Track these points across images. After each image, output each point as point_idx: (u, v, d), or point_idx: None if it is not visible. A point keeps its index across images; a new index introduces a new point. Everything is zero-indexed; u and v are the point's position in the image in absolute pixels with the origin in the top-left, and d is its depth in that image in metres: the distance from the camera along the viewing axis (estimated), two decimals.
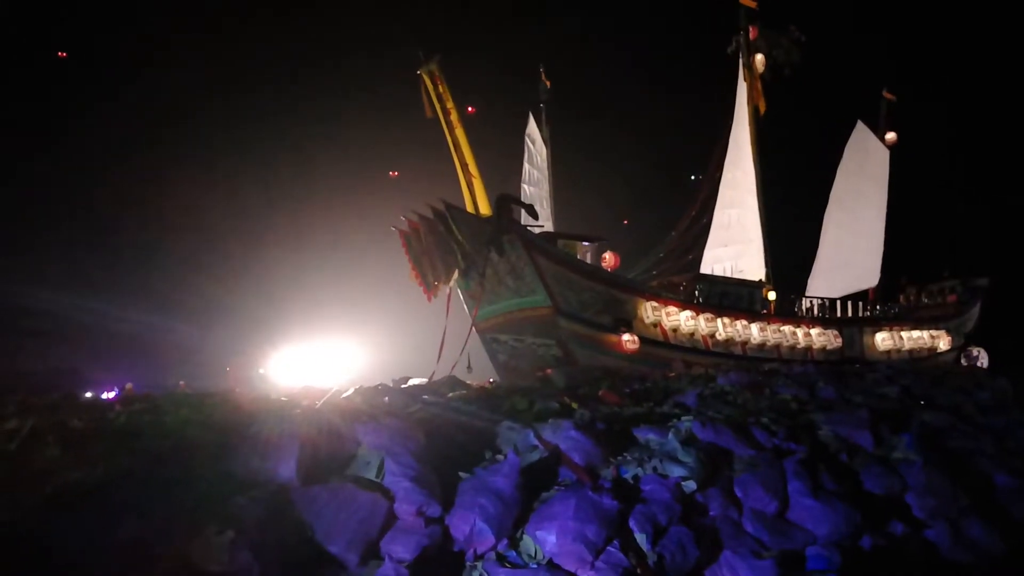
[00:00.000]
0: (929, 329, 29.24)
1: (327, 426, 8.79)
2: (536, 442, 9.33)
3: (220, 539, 6.07)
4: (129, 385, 17.45)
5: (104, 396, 16.69)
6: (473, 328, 21.09)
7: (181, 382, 20.14)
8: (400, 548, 7.14)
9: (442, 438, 9.37)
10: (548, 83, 29.90)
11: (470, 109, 23.30)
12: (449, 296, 21.28)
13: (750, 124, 28.41)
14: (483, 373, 21.34)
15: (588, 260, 22.13)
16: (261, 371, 24.47)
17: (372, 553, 7.12)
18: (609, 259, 22.43)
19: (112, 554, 5.58)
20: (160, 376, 23.37)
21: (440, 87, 21.14)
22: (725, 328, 22.88)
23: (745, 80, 28.51)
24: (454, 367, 19.12)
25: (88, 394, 16.96)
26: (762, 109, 28.75)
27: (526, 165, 29.35)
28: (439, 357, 19.83)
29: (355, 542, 7.02)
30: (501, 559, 7.33)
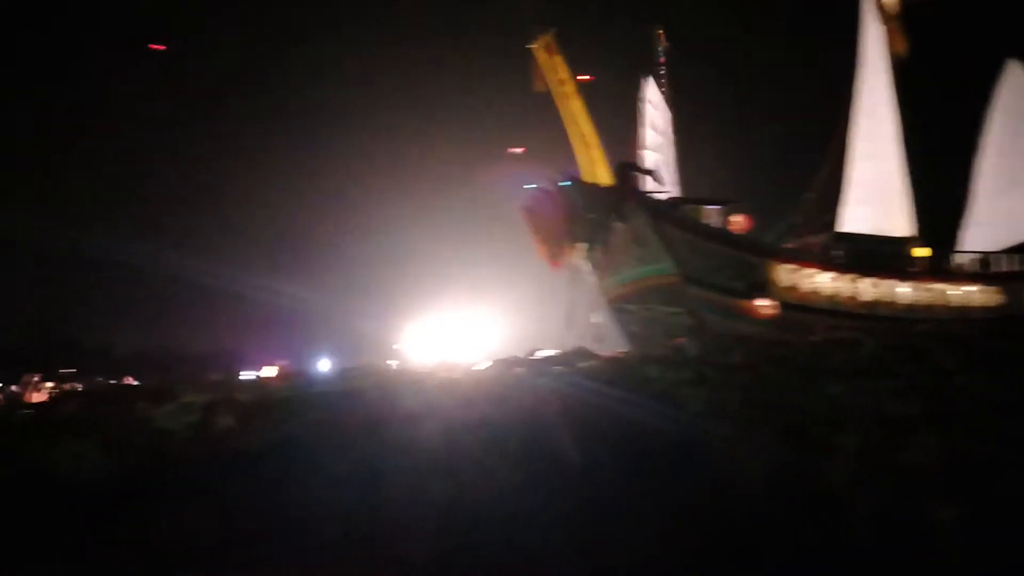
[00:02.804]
0: None
1: (463, 397, 9.15)
2: None
3: None
4: (284, 362, 18.67)
5: (260, 373, 17.97)
6: (601, 299, 21.09)
7: (325, 358, 21.36)
8: None
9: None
10: (667, 44, 29.05)
11: (586, 77, 23.09)
12: (574, 267, 21.37)
13: (887, 69, 26.47)
14: (613, 343, 21.34)
15: (716, 224, 21.56)
16: (396, 346, 25.57)
17: None
18: (739, 222, 21.75)
19: (281, 511, 6.10)
20: (308, 353, 24.83)
21: (555, 59, 21.09)
22: (871, 288, 21.68)
23: (878, 22, 26.58)
24: (583, 338, 19.24)
25: (247, 372, 18.33)
26: (901, 51, 26.70)
27: (645, 130, 28.73)
28: (567, 328, 20.01)
29: None
30: None
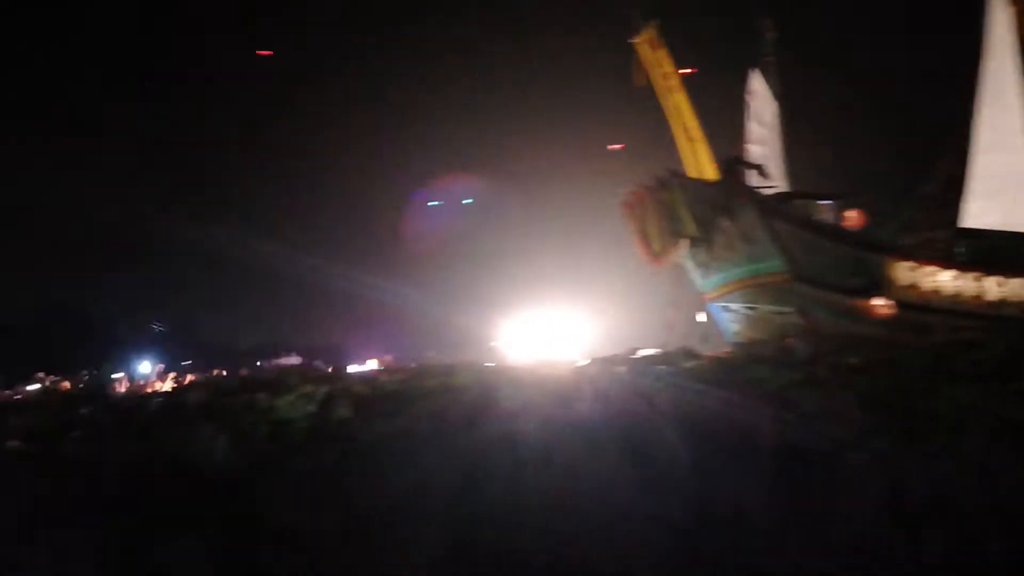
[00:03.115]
0: None
1: (562, 395, 9.15)
2: None
3: None
4: (389, 357, 19.21)
5: (365, 367, 18.58)
6: (704, 297, 20.62)
7: (430, 353, 21.89)
8: None
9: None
10: (773, 35, 28.08)
11: (690, 71, 22.66)
12: (677, 266, 20.98)
13: (1015, 54, 24.67)
14: (717, 343, 20.88)
15: (829, 219, 20.69)
16: (494, 343, 25.85)
17: None
18: (853, 217, 20.76)
19: (397, 498, 6.33)
20: (411, 349, 25.51)
21: (658, 52, 20.77)
22: (996, 287, 20.30)
23: (1007, 3, 24.82)
24: (687, 337, 18.89)
25: (353, 365, 18.99)
26: None
27: (751, 124, 27.87)
28: (670, 328, 19.70)
29: None
30: None
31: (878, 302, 18.98)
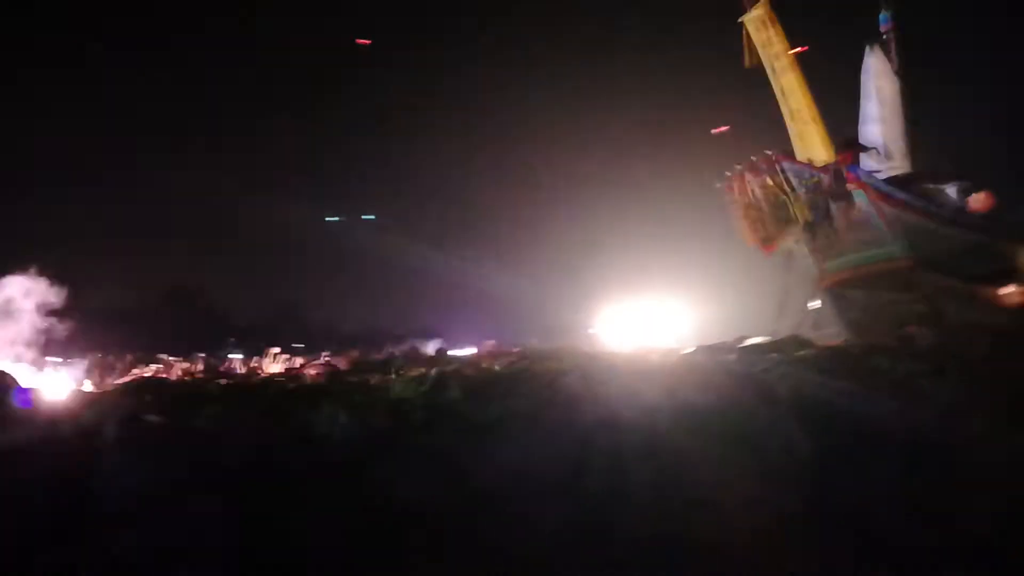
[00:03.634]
0: None
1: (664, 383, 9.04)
2: None
3: None
4: (491, 342, 19.45)
5: (466, 351, 18.89)
6: (816, 284, 19.86)
7: (531, 339, 22.07)
8: None
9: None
10: (893, 7, 26.57)
11: (802, 49, 21.75)
12: (788, 252, 20.29)
13: None
14: (831, 332, 20.13)
15: (954, 203, 19.52)
16: (591, 331, 25.77)
17: None
18: (980, 200, 19.51)
19: (511, 477, 6.49)
20: (511, 335, 25.75)
21: (772, 30, 20.04)
22: None
23: None
24: (799, 325, 18.27)
25: (455, 350, 19.35)
26: None
27: (867, 103, 26.48)
28: (778, 315, 19.09)
29: None
30: None
31: (1008, 289, 17.78)
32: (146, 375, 12.57)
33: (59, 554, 5.88)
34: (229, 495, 6.26)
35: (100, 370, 15.29)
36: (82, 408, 8.55)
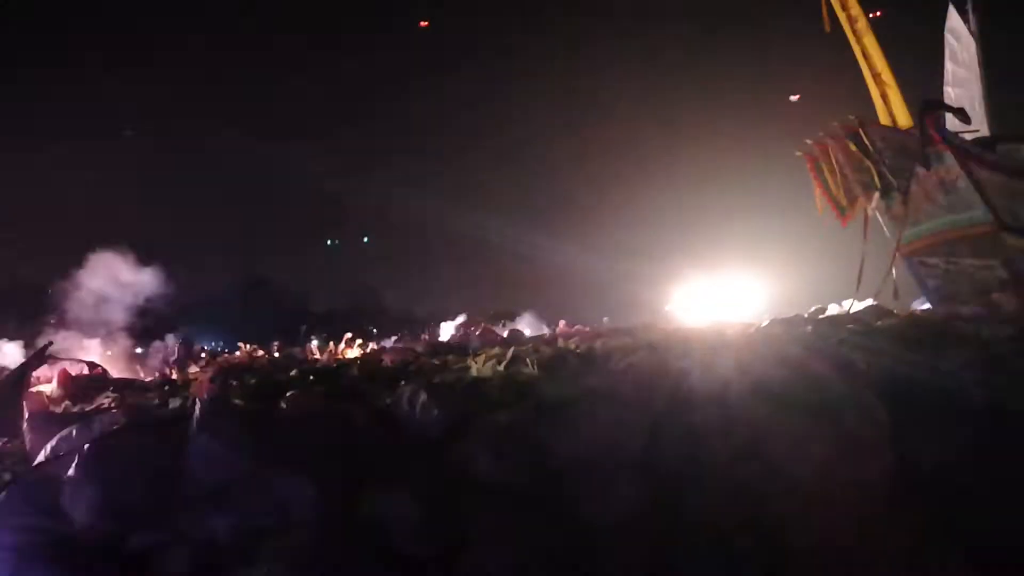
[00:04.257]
0: None
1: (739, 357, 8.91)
2: None
3: None
4: (562, 321, 19.51)
5: (541, 331, 18.99)
6: (898, 252, 19.14)
7: (605, 317, 22.06)
8: None
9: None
10: None
11: (877, 13, 20.89)
12: (867, 220, 19.58)
13: None
14: (912, 301, 19.46)
15: None
16: (666, 308, 25.54)
17: None
18: None
19: (588, 453, 6.60)
20: (585, 312, 25.77)
21: None
22: None
23: None
24: (878, 294, 17.71)
25: (527, 328, 19.50)
26: None
27: (949, 65, 25.20)
28: (858, 285, 18.51)
29: None
30: None
31: None
32: (230, 362, 13.10)
33: (150, 536, 6.23)
34: (313, 475, 6.53)
35: (184, 358, 15.96)
36: (170, 394, 8.98)
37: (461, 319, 21.61)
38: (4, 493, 6.25)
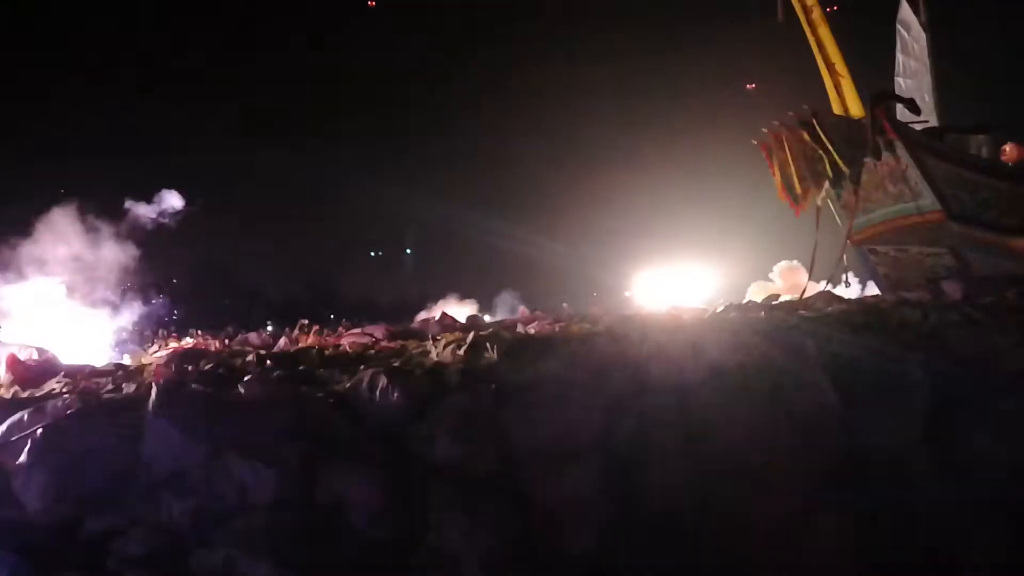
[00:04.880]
0: None
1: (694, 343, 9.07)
2: None
3: None
4: (522, 307, 19.52)
5: (500, 317, 19.02)
6: (848, 240, 19.61)
7: (564, 303, 22.16)
8: None
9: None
10: None
11: (835, 7, 21.24)
12: (819, 209, 20.01)
13: None
14: (861, 287, 20.00)
15: (983, 155, 19.14)
16: (627, 293, 25.80)
17: None
18: (1009, 151, 19.07)
19: (547, 436, 6.71)
20: (543, 298, 25.90)
21: None
22: None
23: None
24: (829, 282, 18.15)
25: (488, 315, 19.48)
26: None
27: (899, 56, 25.77)
28: (810, 273, 18.94)
29: None
30: None
31: None
32: (185, 347, 12.88)
33: (106, 520, 6.19)
34: (271, 460, 6.52)
35: (137, 342, 15.61)
36: (124, 379, 8.83)
37: (438, 307, 21.49)
38: None
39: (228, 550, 5.93)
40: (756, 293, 20.33)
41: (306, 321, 19.33)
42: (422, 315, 19.93)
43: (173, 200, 17.42)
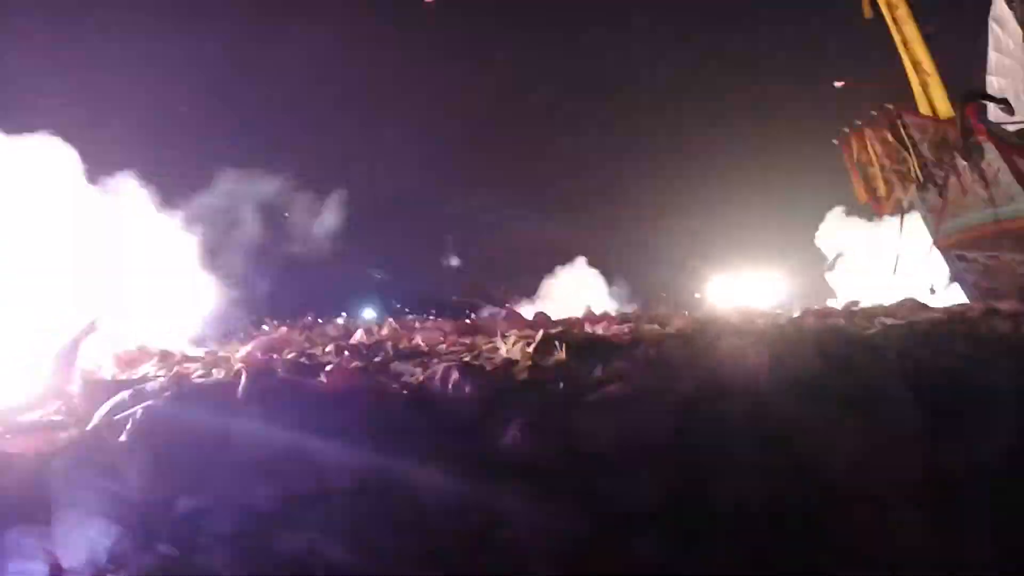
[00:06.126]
0: None
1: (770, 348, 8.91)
2: None
3: None
4: (588, 305, 19.47)
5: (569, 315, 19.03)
6: (936, 245, 18.88)
7: (636, 304, 22.09)
8: None
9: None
10: None
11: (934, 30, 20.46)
12: (903, 212, 19.34)
13: None
14: (949, 295, 19.25)
15: None
16: (697, 295, 25.52)
17: None
18: None
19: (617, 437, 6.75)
20: (612, 299, 25.81)
21: None
22: None
23: None
24: (913, 289, 17.53)
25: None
26: None
27: (992, 54, 24.71)
28: (895, 278, 18.34)
29: None
30: None
31: None
32: (269, 336, 13.37)
33: (199, 498, 6.50)
34: (348, 447, 6.73)
35: (222, 332, 16.22)
36: (213, 365, 9.23)
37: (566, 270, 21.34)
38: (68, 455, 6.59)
39: (310, 533, 6.18)
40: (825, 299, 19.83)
41: (373, 313, 19.78)
42: (488, 310, 20.20)
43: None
